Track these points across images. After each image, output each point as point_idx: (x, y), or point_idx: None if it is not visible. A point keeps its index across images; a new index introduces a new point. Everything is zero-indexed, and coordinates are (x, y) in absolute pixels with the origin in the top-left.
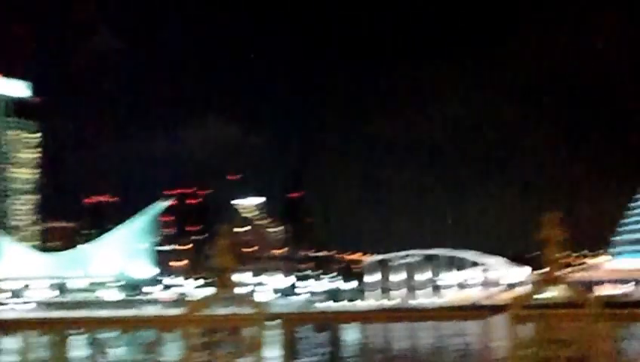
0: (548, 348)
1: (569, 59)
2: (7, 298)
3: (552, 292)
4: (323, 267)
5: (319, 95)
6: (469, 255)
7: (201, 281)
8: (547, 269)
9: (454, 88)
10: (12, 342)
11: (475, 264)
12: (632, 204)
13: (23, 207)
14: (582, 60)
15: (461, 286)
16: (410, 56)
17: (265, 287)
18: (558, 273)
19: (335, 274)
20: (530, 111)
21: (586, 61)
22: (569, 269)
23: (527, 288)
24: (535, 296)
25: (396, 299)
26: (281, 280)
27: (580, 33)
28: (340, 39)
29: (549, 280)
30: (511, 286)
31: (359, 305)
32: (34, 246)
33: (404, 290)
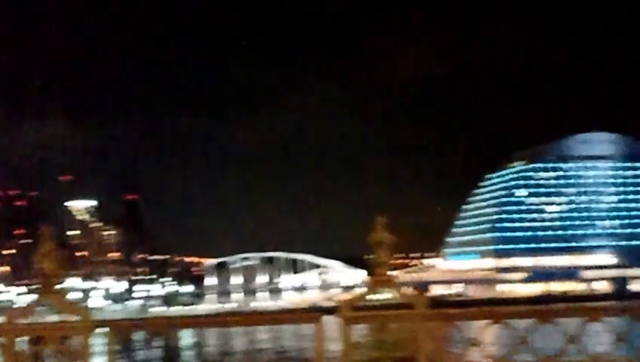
0: (378, 349)
1: (405, 65)
2: None
3: (383, 294)
4: (159, 271)
5: (158, 96)
6: (307, 258)
7: (25, 288)
8: (377, 271)
9: (288, 92)
10: None
11: (313, 266)
12: (463, 207)
13: None
14: (417, 67)
15: (300, 288)
16: (246, 60)
17: (98, 292)
18: (388, 275)
19: (172, 277)
20: (365, 116)
21: (421, 69)
22: (407, 270)
23: (359, 290)
24: (367, 298)
25: (235, 302)
26: (116, 285)
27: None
28: (179, 42)
29: (379, 282)
30: (348, 288)
31: (197, 309)
32: None
33: (242, 293)
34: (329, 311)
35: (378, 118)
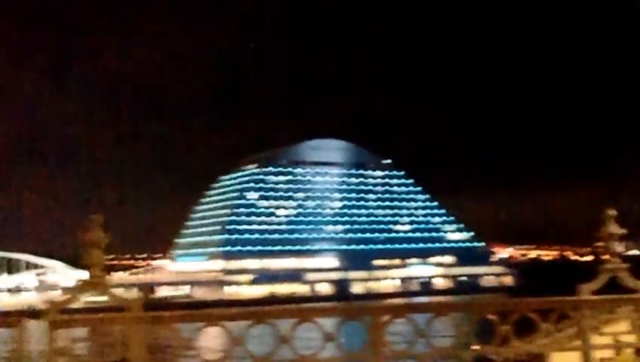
0: (87, 354)
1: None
2: None
3: (97, 296)
4: None
5: None
6: (25, 257)
7: None
8: (90, 273)
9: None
10: None
11: (31, 267)
12: (195, 208)
13: None
14: (148, 62)
15: (15, 290)
16: None
17: None
18: (100, 276)
19: None
20: (94, 108)
21: (150, 67)
22: (134, 271)
23: (68, 292)
24: (80, 300)
25: None
26: None
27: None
28: None
29: (89, 284)
30: (68, 289)
31: None
32: None
33: None
34: (30, 314)
35: (106, 111)
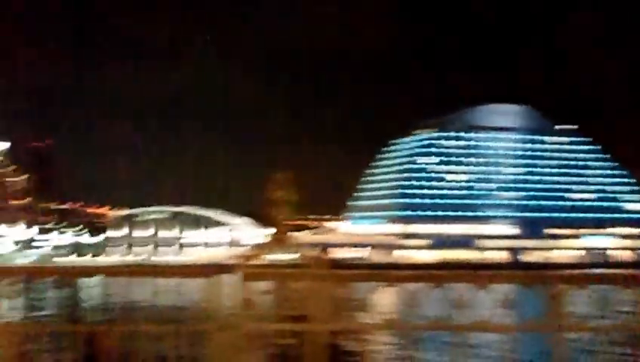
0: (275, 307)
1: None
2: None
3: (282, 253)
4: (67, 220)
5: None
6: (217, 213)
7: None
8: (277, 230)
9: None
10: None
11: (221, 223)
12: (369, 171)
13: None
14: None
15: (207, 245)
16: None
17: (3, 239)
18: (286, 234)
19: (79, 227)
20: (268, 74)
21: (319, 28)
22: (307, 232)
23: (257, 247)
24: (266, 256)
25: (141, 255)
26: (22, 232)
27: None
28: None
29: (277, 241)
30: (257, 246)
31: (101, 260)
32: None
33: (149, 247)
34: (223, 267)
35: (283, 76)
